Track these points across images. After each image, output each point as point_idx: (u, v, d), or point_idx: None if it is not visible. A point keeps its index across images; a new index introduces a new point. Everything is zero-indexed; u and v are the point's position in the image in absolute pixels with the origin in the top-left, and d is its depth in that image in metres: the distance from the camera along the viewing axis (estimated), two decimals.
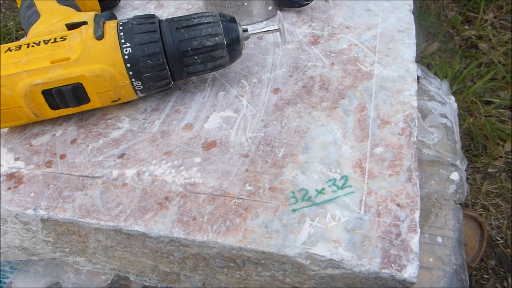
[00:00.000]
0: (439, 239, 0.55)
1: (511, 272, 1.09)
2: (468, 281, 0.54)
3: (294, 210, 0.39)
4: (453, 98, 0.73)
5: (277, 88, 0.50)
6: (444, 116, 0.69)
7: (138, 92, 0.48)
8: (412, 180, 0.40)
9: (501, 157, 1.24)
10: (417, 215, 0.38)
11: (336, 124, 0.45)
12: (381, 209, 0.38)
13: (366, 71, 0.51)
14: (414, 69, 0.51)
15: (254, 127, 0.46)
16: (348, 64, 0.53)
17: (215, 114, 0.48)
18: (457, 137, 0.66)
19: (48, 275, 0.56)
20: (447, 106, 0.71)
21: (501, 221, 1.15)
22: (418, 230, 0.37)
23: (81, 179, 0.43)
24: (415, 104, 0.47)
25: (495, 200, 1.18)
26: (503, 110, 1.32)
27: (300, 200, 0.39)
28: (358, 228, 0.37)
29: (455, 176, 0.60)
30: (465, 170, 0.61)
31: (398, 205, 0.38)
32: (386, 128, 0.44)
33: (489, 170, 1.22)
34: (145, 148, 0.45)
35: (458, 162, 0.62)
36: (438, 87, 0.76)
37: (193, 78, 0.54)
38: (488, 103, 1.33)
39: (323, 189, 0.40)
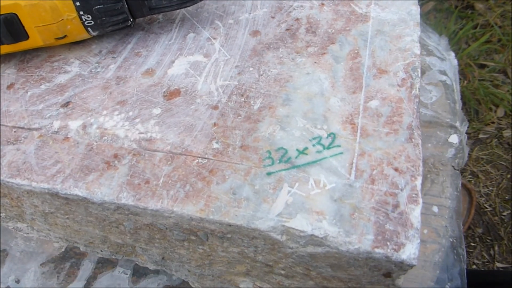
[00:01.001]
0: (435, 209, 0.48)
1: (498, 240, 1.04)
2: (465, 255, 0.47)
3: (269, 174, 0.31)
4: (452, 54, 0.65)
5: (256, 31, 0.42)
6: (443, 73, 0.60)
7: (90, 29, 0.39)
8: (413, 140, 0.32)
9: (493, 122, 1.17)
10: (418, 182, 0.30)
11: (324, 72, 0.37)
12: (376, 174, 0.30)
13: (361, 13, 0.43)
14: (417, 12, 0.42)
15: (227, 74, 0.38)
16: (341, 5, 0.44)
17: (181, 59, 0.40)
18: (457, 96, 0.58)
19: None
20: (446, 63, 0.63)
21: (490, 188, 1.09)
22: (420, 200, 0.29)
23: (14, 131, 0.35)
24: (418, 52, 0.39)
25: (485, 167, 1.11)
26: (497, 74, 1.24)
27: (277, 161, 0.31)
28: (346, 197, 0.29)
29: (454, 139, 0.53)
30: (466, 133, 0.54)
31: (396, 169, 0.31)
32: (383, 78, 0.36)
33: (480, 136, 1.16)
34: (95, 96, 0.37)
35: (457, 124, 0.54)
36: (437, 43, 0.68)
37: (159, 17, 0.45)
38: (482, 66, 1.25)
39: (306, 148, 0.32)
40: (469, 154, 1.07)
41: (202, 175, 0.31)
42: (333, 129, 0.33)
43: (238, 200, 0.30)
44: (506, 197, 1.07)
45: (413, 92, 0.35)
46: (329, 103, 0.35)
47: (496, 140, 1.14)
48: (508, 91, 1.20)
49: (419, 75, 0.37)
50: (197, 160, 0.32)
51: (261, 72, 0.38)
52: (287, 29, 0.42)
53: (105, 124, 0.35)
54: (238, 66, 0.38)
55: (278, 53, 0.39)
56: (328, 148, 0.32)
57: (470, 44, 1.27)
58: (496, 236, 1.03)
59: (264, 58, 0.39)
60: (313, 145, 0.32)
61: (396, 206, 0.29)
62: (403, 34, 0.40)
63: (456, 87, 0.59)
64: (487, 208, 1.06)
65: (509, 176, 1.11)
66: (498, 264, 1.00)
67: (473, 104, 1.17)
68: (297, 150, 0.32)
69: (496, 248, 1.02)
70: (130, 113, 0.35)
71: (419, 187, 0.30)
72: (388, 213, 0.28)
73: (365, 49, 0.39)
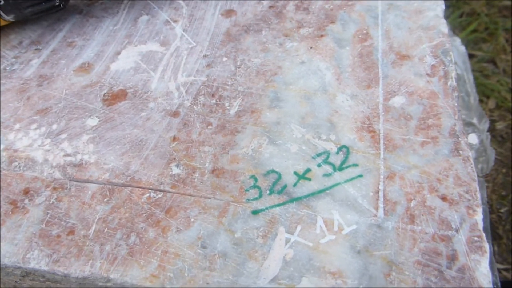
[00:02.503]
0: None
1: (496, 239, 0.95)
2: (499, 285, 0.37)
3: (255, 212, 0.20)
4: (458, 39, 0.55)
5: (230, 10, 0.31)
6: None
7: (1, 13, 0.27)
8: (461, 151, 0.22)
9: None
10: (479, 216, 0.20)
11: (325, 60, 0.26)
12: (415, 207, 0.20)
13: None
14: None
15: (192, 67, 0.27)
16: None
17: (130, 49, 0.29)
18: (470, 87, 0.48)
19: None
20: (453, 50, 0.53)
21: (486, 184, 1.00)
22: (487, 246, 0.19)
23: None
24: (446, 30, 0.28)
25: None
26: (486, 64, 1.16)
27: (267, 192, 0.20)
28: (376, 246, 0.19)
29: (473, 139, 0.43)
30: (488, 131, 0.44)
31: (444, 198, 0.20)
32: (406, 66, 0.26)
33: None
34: (7, 104, 0.26)
35: (475, 120, 0.44)
36: None
37: None
38: (470, 56, 1.16)
39: (308, 170, 0.21)
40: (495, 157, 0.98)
41: (155, 218, 0.20)
42: (344, 139, 0.22)
43: (210, 258, 0.19)
44: (503, 193, 0.98)
45: (449, 83, 0.25)
46: (335, 102, 0.24)
47: (489, 133, 1.06)
48: (498, 81, 1.11)
49: (453, 60, 0.26)
50: (148, 194, 0.21)
51: (238, 63, 0.27)
52: (270, 7, 0.31)
53: (17, 144, 0.23)
54: (207, 56, 0.27)
55: (261, 37, 0.28)
56: (341, 169, 0.21)
57: (457, 34, 1.18)
58: (495, 235, 0.94)
59: (242, 44, 0.28)
60: (319, 165, 0.21)
61: (452, 258, 0.18)
62: (423, 8, 0.29)
63: (468, 77, 0.49)
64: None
65: (504, 170, 1.02)
66: (499, 266, 0.91)
67: None
68: (295, 173, 0.21)
69: (496, 248, 0.93)
70: (54, 126, 0.24)
71: (481, 223, 0.19)
72: (443, 271, 0.18)
73: (377, 29, 0.28)
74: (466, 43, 1.17)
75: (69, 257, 0.19)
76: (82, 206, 0.21)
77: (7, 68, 0.28)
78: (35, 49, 0.29)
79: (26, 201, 0.21)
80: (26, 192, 0.21)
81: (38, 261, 0.19)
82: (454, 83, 0.25)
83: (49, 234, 0.20)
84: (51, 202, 0.21)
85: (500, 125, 1.08)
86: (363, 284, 0.17)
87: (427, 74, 0.25)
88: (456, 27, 1.20)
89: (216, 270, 0.18)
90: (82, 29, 0.30)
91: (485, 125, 0.44)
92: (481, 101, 1.09)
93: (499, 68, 1.16)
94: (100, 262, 0.19)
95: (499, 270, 0.92)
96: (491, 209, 0.98)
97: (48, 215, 0.20)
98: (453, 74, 0.25)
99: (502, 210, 0.99)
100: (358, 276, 0.18)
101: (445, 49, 0.27)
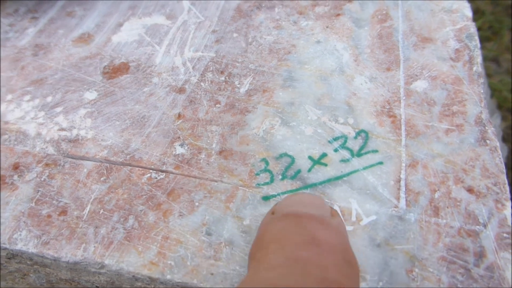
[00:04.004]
0: None
1: None
2: None
3: (266, 198, 0.18)
4: None
5: None
6: None
7: None
8: (488, 141, 0.20)
9: None
10: (508, 211, 0.18)
11: (342, 40, 0.24)
12: (440, 198, 0.18)
13: None
14: None
15: (199, 43, 0.25)
16: None
17: (133, 21, 0.26)
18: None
19: None
20: None
21: None
22: None
23: None
24: (470, 14, 0.26)
25: None
26: (488, 63, 1.14)
27: (279, 177, 0.19)
28: (397, 240, 0.17)
29: None
30: (499, 126, 0.42)
31: (470, 190, 0.18)
32: (428, 49, 0.24)
33: None
34: None
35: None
36: None
37: None
38: None
39: (324, 155, 0.19)
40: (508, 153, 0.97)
41: (156, 201, 0.18)
42: (363, 124, 0.20)
43: (215, 246, 0.17)
44: None
45: (474, 69, 0.23)
46: (353, 84, 0.22)
47: (500, 128, 1.04)
48: (500, 81, 1.09)
49: (479, 45, 0.24)
50: (149, 175, 0.19)
51: (249, 40, 0.25)
52: None
53: (8, 115, 0.21)
54: (216, 31, 0.25)
55: (274, 14, 0.26)
56: (360, 154, 0.19)
57: None
58: None
59: (254, 21, 0.26)
60: (335, 150, 0.19)
61: (480, 255, 0.16)
62: None
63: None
64: None
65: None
66: None
67: None
68: (310, 158, 0.19)
69: None
70: (49, 99, 0.22)
71: (510, 219, 0.18)
72: (470, 269, 0.16)
73: (397, 10, 0.26)
74: None
75: (60, 240, 0.17)
76: (76, 184, 0.19)
77: (1, 36, 0.26)
78: (32, 18, 0.27)
79: (15, 177, 0.19)
80: (15, 167, 0.19)
81: (26, 243, 0.17)
82: (480, 69, 0.23)
83: (39, 214, 0.18)
84: (42, 179, 0.19)
85: (502, 126, 1.06)
86: (383, 280, 0.16)
87: (451, 59, 0.23)
88: None
89: (222, 260, 0.16)
90: None
91: (497, 120, 0.42)
92: None
93: (502, 68, 1.14)
94: (94, 246, 0.17)
95: None
96: None
97: (39, 193, 0.18)
98: (479, 60, 0.24)
99: None
100: (378, 271, 0.16)
101: (469, 33, 0.25)
